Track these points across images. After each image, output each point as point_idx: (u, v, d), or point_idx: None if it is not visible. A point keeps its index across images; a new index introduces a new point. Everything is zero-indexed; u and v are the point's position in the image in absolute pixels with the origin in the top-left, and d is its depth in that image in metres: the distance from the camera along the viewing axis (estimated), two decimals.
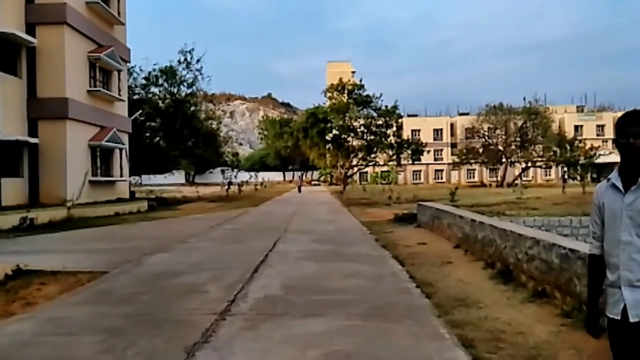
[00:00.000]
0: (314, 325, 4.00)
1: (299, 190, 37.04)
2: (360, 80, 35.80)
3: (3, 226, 11.53)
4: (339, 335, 3.71)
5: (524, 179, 46.03)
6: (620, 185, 1.86)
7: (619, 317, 1.83)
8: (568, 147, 42.04)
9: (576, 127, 58.52)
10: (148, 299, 5.01)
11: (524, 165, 46.77)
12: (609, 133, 61.71)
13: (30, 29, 15.33)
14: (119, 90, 19.87)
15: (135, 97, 25.40)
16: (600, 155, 42.70)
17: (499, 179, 47.15)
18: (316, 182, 62.90)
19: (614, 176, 1.90)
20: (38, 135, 15.54)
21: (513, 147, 46.80)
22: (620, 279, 1.84)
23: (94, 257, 7.71)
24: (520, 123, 46.57)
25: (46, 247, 8.89)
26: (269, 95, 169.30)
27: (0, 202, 13.43)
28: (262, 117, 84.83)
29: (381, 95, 35.80)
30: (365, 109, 35.35)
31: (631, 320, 1.80)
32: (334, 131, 34.67)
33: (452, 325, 3.93)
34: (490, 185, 46.78)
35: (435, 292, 5.09)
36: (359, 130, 34.53)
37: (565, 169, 40.40)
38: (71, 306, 4.77)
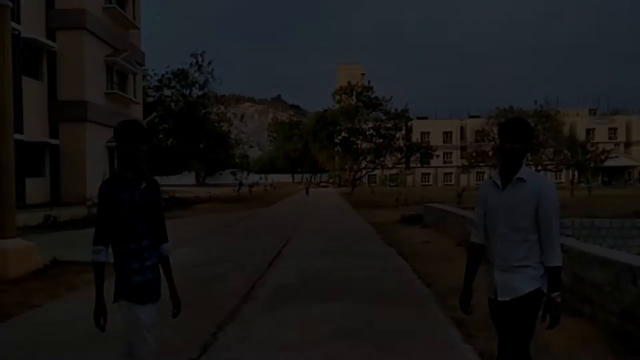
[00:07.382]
0: (324, 308, 4.50)
1: (307, 192, 37.43)
2: (369, 83, 36.05)
3: (29, 223, 12.18)
4: (347, 316, 4.20)
5: None
6: (499, 183, 2.13)
7: (493, 297, 2.13)
8: (579, 151, 41.57)
9: (588, 131, 57.39)
10: (177, 284, 5.54)
11: (534, 168, 46.66)
12: (622, 136, 60.89)
13: (51, 34, 15.97)
14: (134, 93, 20.58)
15: (149, 99, 26.17)
16: (609, 158, 41.74)
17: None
18: (324, 184, 63.28)
19: (495, 175, 2.16)
20: (59, 137, 16.27)
21: None
22: (495, 264, 2.13)
23: None
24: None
25: (73, 242, 9.50)
26: (279, 97, 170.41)
27: (24, 201, 14.12)
28: (272, 119, 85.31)
29: (391, 98, 36.00)
30: (374, 112, 35.54)
31: (499, 298, 2.09)
32: (343, 134, 34.88)
33: (448, 309, 4.34)
34: None
35: (435, 283, 5.48)
36: (367, 133, 34.72)
37: (576, 172, 39.98)
38: (109, 290, 5.33)
